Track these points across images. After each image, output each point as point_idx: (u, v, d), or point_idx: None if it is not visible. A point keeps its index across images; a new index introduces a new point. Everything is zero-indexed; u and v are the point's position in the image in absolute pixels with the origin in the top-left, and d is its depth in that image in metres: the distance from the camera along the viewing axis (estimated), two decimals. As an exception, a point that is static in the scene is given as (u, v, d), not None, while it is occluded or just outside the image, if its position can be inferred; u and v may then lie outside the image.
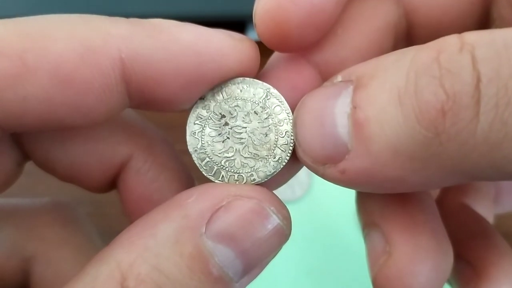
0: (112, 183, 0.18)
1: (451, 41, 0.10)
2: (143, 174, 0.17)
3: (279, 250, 0.13)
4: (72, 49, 0.12)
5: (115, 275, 0.12)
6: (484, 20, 0.16)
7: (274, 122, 0.15)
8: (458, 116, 0.09)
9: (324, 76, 0.15)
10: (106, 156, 0.16)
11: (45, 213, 0.18)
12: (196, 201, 0.13)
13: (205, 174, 0.16)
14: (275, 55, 0.16)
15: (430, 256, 0.14)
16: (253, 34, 0.33)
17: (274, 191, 0.15)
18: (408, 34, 0.16)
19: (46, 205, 0.18)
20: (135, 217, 0.15)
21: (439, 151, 0.10)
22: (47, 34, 0.12)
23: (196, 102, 0.16)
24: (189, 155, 0.16)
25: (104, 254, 0.13)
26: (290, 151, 0.15)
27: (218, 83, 0.16)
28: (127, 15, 0.31)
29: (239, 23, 0.33)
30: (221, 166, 0.16)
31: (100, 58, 0.12)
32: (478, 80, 0.09)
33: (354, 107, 0.11)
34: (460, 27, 0.15)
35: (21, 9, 0.31)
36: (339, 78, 0.12)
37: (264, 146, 0.15)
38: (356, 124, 0.11)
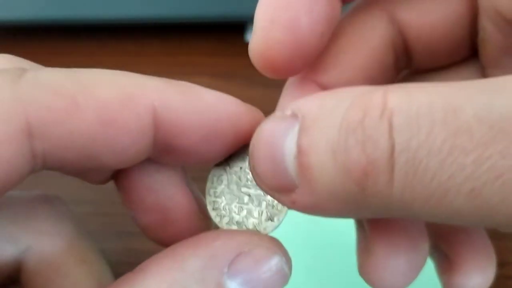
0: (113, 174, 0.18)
1: (375, 102, 0.11)
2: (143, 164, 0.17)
3: None
4: (116, 94, 0.14)
5: None
6: (474, 30, 0.17)
7: None
8: (377, 179, 0.11)
9: None
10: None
11: (39, 206, 0.18)
12: (223, 244, 0.14)
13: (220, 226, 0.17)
14: (289, 79, 0.18)
15: (402, 252, 0.15)
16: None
17: None
18: (406, 48, 0.17)
19: (39, 198, 0.19)
20: (135, 206, 0.17)
21: (366, 202, 0.11)
22: (95, 82, 0.14)
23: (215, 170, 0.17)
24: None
25: (134, 282, 0.14)
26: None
27: (234, 155, 0.17)
28: (128, 18, 0.31)
29: (238, 25, 0.33)
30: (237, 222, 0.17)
31: (137, 104, 0.14)
32: (393, 149, 0.10)
33: (299, 151, 0.12)
34: (453, 38, 0.17)
35: (22, 9, 0.31)
36: (288, 111, 0.13)
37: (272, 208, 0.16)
38: (301, 167, 0.12)
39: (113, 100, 0.14)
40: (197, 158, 0.16)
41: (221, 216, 0.17)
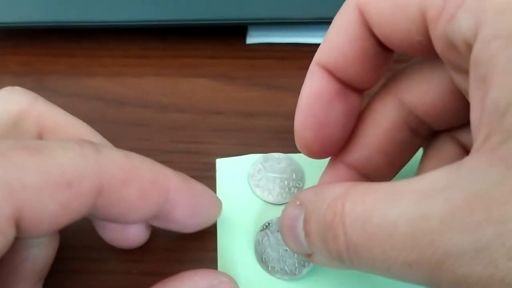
0: None
1: (338, 208, 0.16)
2: None
3: None
4: (150, 176, 0.20)
5: None
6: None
7: None
8: (344, 258, 0.16)
9: (360, 171, 0.22)
10: None
11: None
12: (201, 278, 0.20)
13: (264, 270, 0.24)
14: (328, 161, 0.23)
15: None
16: (252, 39, 0.33)
17: None
18: (421, 120, 0.20)
19: None
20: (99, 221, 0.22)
21: (349, 267, 0.17)
22: (140, 165, 0.20)
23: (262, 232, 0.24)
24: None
25: None
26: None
27: (272, 224, 0.24)
28: (130, 21, 0.31)
29: (239, 28, 0.33)
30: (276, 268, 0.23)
31: (161, 186, 0.20)
32: (346, 240, 0.16)
33: (305, 234, 0.18)
34: (457, 106, 0.19)
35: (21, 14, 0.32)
36: (297, 201, 0.19)
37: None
38: (309, 243, 0.18)
39: (148, 180, 0.19)
40: (179, 227, 0.22)
41: (267, 265, 0.23)
